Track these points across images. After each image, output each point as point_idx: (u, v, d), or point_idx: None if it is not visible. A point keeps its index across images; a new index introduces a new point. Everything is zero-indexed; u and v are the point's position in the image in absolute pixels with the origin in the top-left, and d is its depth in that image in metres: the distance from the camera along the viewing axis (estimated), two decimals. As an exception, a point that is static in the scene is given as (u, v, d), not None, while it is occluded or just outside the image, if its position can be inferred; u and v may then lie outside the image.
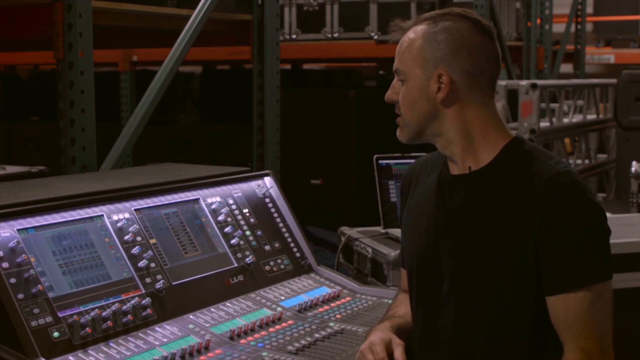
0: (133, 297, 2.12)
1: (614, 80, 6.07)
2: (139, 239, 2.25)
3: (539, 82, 5.33)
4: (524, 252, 1.81)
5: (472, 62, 1.87)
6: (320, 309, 2.42)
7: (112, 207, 2.26)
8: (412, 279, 2.03)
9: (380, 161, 3.32)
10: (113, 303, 2.07)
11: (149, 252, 2.24)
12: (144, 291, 2.16)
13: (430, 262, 1.94)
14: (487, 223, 1.86)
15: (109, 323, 2.03)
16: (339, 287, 2.59)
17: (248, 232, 2.56)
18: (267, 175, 2.76)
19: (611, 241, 1.83)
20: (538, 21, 7.17)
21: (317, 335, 2.22)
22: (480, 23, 1.90)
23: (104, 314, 2.03)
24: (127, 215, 2.27)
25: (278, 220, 2.68)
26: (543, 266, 1.80)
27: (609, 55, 10.39)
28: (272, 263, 2.55)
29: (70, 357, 1.91)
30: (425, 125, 1.91)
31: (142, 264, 2.19)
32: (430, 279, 1.94)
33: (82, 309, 2.01)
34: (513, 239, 1.82)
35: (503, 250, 1.83)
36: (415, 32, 1.91)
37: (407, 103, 1.92)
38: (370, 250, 3.18)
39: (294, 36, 6.30)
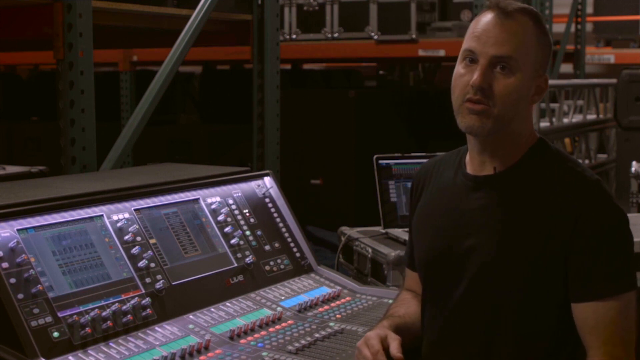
0: (133, 297, 2.12)
1: (614, 80, 6.07)
2: (138, 239, 2.25)
3: (539, 82, 5.32)
4: (549, 256, 1.80)
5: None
6: (320, 309, 2.42)
7: (112, 207, 2.25)
8: (426, 279, 2.02)
9: (380, 161, 3.32)
10: (113, 303, 2.07)
11: (149, 252, 2.24)
12: (144, 291, 2.16)
13: (447, 262, 1.93)
14: (512, 224, 1.84)
15: (109, 323, 2.02)
16: (339, 287, 2.58)
17: (248, 232, 2.55)
18: (267, 175, 2.76)
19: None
20: (538, 21, 7.15)
21: (317, 335, 2.21)
22: None
23: (104, 314, 2.03)
24: (127, 215, 2.27)
25: (278, 220, 2.68)
26: (572, 273, 1.79)
27: (609, 55, 10.37)
28: (272, 263, 2.55)
29: (70, 357, 1.90)
30: (511, 124, 1.85)
31: (142, 264, 2.19)
32: (446, 279, 1.93)
33: (82, 309, 2.00)
34: (539, 242, 1.81)
35: (527, 252, 1.82)
36: (525, 27, 1.83)
37: (512, 98, 1.82)
38: (370, 250, 3.17)
39: (294, 36, 6.31)
